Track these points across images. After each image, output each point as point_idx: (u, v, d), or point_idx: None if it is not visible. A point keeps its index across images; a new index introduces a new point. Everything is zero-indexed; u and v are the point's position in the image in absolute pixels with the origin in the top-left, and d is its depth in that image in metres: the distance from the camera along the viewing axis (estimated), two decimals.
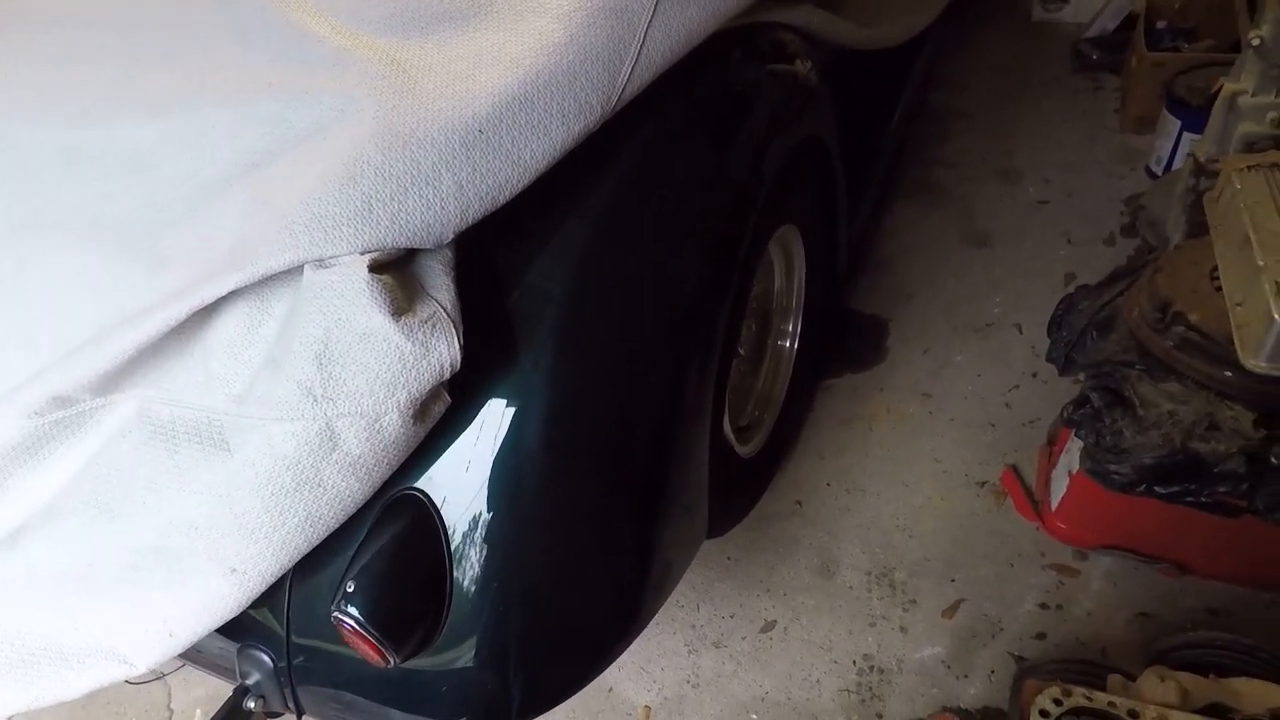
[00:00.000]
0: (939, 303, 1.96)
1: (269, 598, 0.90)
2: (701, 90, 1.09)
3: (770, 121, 1.18)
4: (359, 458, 0.79)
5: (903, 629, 1.41)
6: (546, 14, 0.91)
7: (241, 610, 0.87)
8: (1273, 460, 1.09)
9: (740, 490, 1.50)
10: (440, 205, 0.81)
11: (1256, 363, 1.04)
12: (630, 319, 0.98)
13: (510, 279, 0.92)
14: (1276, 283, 1.03)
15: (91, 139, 1.00)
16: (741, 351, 1.46)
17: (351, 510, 0.84)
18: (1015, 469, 1.59)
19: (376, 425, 0.78)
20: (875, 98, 2.05)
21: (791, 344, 1.61)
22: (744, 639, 1.45)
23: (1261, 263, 1.07)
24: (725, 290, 1.08)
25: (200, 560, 0.86)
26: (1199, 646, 1.08)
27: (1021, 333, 1.86)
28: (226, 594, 0.86)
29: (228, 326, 0.85)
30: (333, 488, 0.80)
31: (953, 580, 1.46)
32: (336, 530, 0.86)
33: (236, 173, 0.89)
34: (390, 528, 0.87)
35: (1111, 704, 0.89)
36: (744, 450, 1.44)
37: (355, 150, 0.81)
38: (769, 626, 1.46)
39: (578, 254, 0.95)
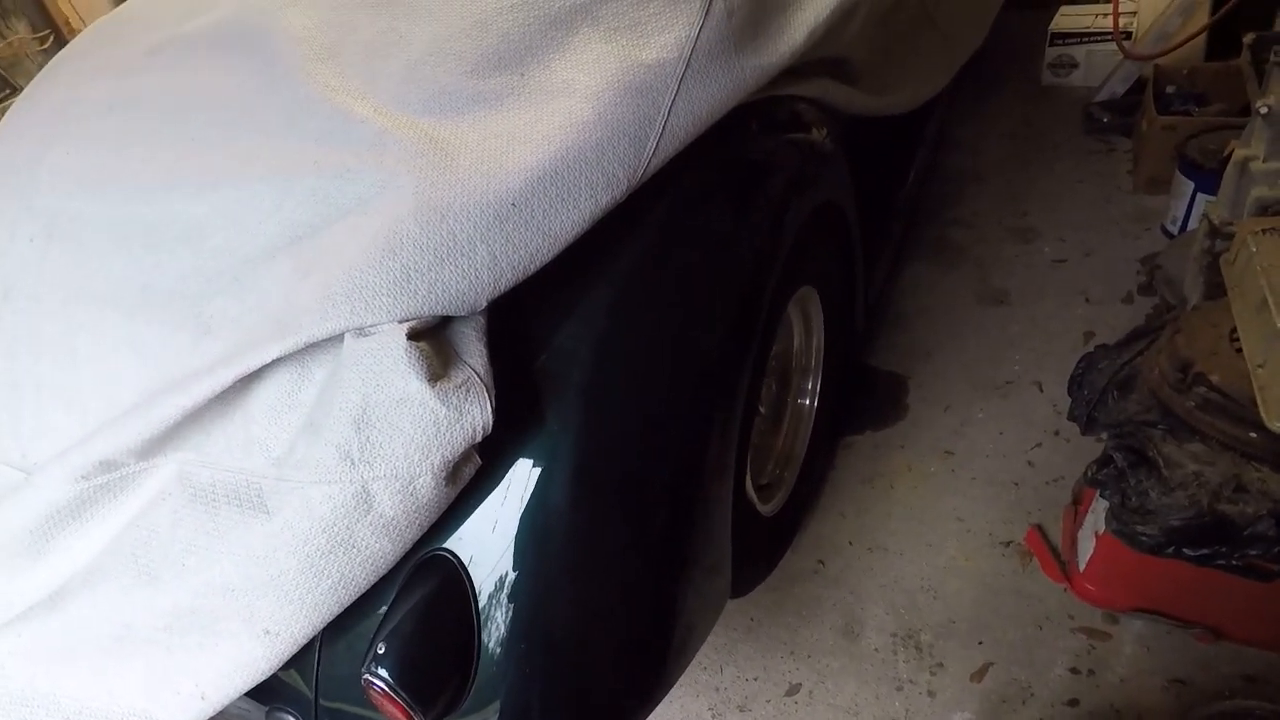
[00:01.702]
0: (958, 360, 1.97)
1: (298, 660, 0.91)
2: (722, 160, 1.13)
3: (788, 188, 1.22)
4: (392, 520, 0.81)
5: (930, 693, 1.39)
6: (575, 94, 0.96)
7: (273, 672, 0.89)
8: None
9: (762, 549, 1.50)
10: (475, 275, 0.85)
11: None
12: (653, 380, 1.00)
13: (539, 343, 0.96)
14: None
15: (145, 213, 1.05)
16: (762, 410, 1.47)
17: (383, 571, 0.85)
18: (1040, 529, 1.58)
19: (410, 488, 0.80)
20: (890, 161, 2.11)
21: (812, 402, 1.62)
22: (769, 703, 1.43)
23: None
24: (746, 351, 1.11)
25: (235, 623, 0.87)
26: (1236, 716, 1.06)
27: (1042, 391, 1.86)
28: (260, 656, 0.87)
29: (269, 392, 0.89)
30: (366, 549, 0.82)
31: (980, 643, 1.44)
32: (367, 591, 0.87)
33: (281, 245, 0.93)
34: (420, 588, 0.88)
35: None
36: (766, 509, 1.45)
37: (395, 224, 0.85)
38: (794, 690, 1.44)
39: (603, 318, 0.98)
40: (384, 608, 0.89)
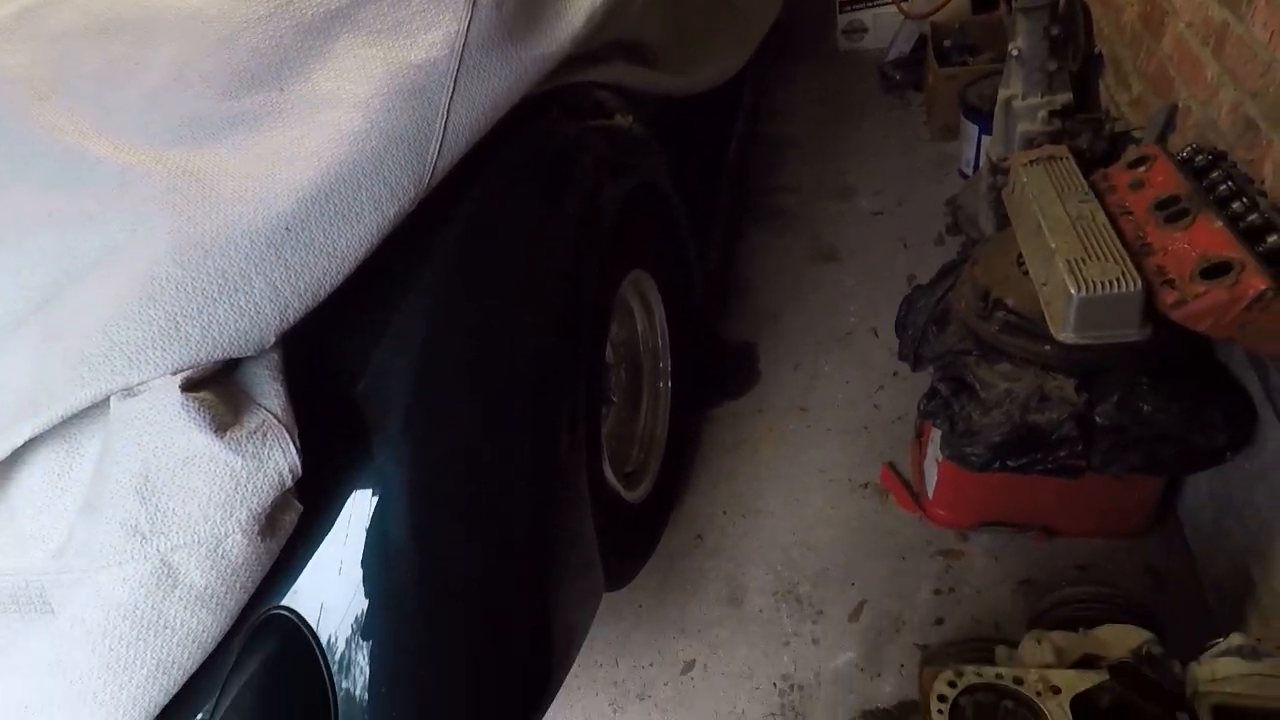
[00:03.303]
0: (801, 320, 2.06)
1: None
2: (522, 153, 1.11)
3: (596, 174, 1.22)
4: (205, 589, 0.74)
5: (814, 641, 1.45)
6: (342, 105, 0.91)
7: None
8: (1098, 420, 1.20)
9: (637, 536, 1.51)
10: (255, 310, 0.78)
11: (1066, 335, 1.14)
12: (482, 387, 0.96)
13: (355, 367, 0.90)
14: (1068, 261, 1.15)
15: None
16: (614, 399, 1.48)
17: (209, 647, 0.78)
18: (893, 466, 1.68)
19: (219, 550, 0.73)
20: (707, 137, 2.16)
21: (666, 383, 1.65)
22: (666, 684, 1.44)
23: (1053, 245, 1.19)
24: (576, 341, 1.09)
25: None
26: (1066, 604, 1.16)
27: (878, 336, 1.97)
28: None
29: (34, 479, 0.79)
30: (181, 626, 0.74)
31: (853, 584, 1.51)
32: (197, 670, 0.79)
33: (24, 312, 0.84)
34: (258, 655, 0.81)
35: (999, 675, 0.94)
36: (633, 496, 1.45)
37: (151, 268, 0.78)
38: (689, 667, 1.46)
39: (419, 329, 0.93)
40: (219, 685, 0.81)
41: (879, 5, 2.95)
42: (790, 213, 2.41)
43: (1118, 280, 1.10)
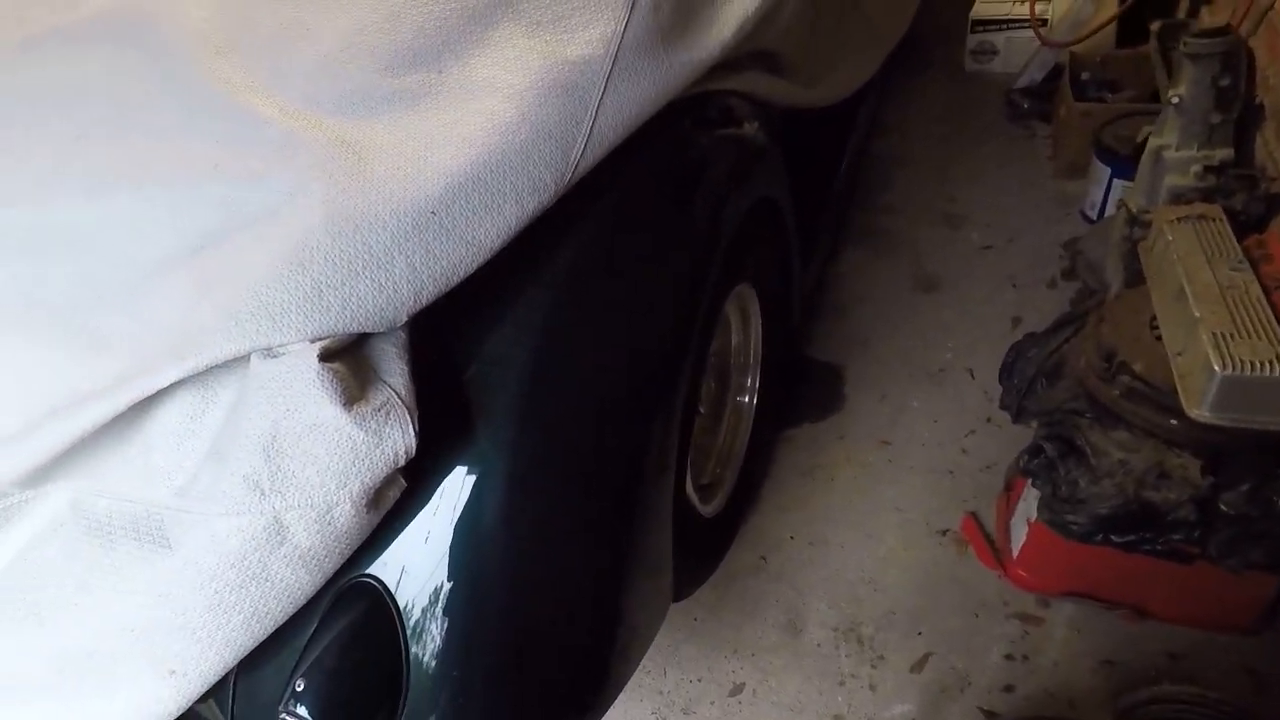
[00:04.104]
0: (893, 348, 1.99)
1: (211, 696, 0.85)
2: (655, 159, 1.10)
3: (723, 185, 1.19)
4: (309, 550, 0.76)
5: (872, 686, 1.40)
6: (498, 93, 0.91)
7: (180, 713, 0.82)
8: (1222, 507, 1.11)
9: (705, 550, 1.48)
10: (393, 289, 0.79)
11: (1200, 412, 1.07)
12: (590, 385, 0.97)
13: (471, 353, 0.91)
14: (1214, 334, 1.07)
15: (25, 219, 0.96)
16: (702, 410, 1.45)
17: (300, 603, 0.80)
18: (976, 516, 1.61)
19: (328, 517, 0.75)
20: (823, 152, 2.11)
21: (751, 399, 1.61)
22: (713, 703, 1.42)
23: (1198, 314, 1.11)
24: (685, 352, 1.08)
25: (137, 664, 0.81)
26: (1162, 702, 1.09)
27: (974, 377, 1.89)
28: (165, 698, 0.81)
29: (170, 416, 0.82)
30: (281, 581, 0.77)
31: (919, 633, 1.45)
32: (285, 624, 0.82)
33: (180, 257, 0.86)
34: (342, 619, 0.83)
35: None
36: (707, 510, 1.43)
37: (304, 235, 0.79)
38: (738, 690, 1.43)
39: (537, 322, 0.94)
40: (304, 641, 0.84)
41: (1014, 28, 2.81)
42: (893, 235, 2.33)
43: (1271, 363, 1.01)
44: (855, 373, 1.95)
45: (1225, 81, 1.34)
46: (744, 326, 1.53)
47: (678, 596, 1.41)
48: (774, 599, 1.54)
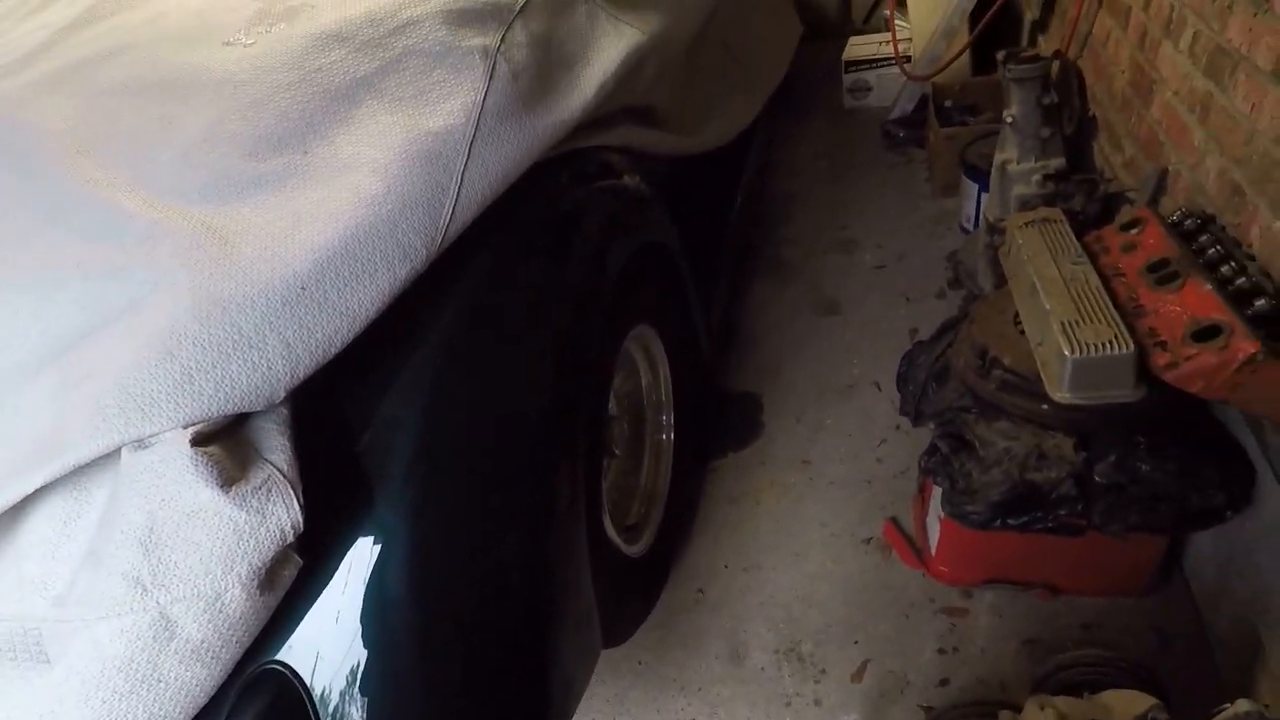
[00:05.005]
0: (804, 372, 2.08)
1: None
2: (531, 214, 1.15)
3: (602, 234, 1.25)
4: (202, 643, 0.75)
5: (817, 702, 1.43)
6: (362, 169, 0.95)
7: None
8: (1096, 479, 1.20)
9: (637, 591, 1.50)
10: (267, 367, 0.81)
11: (1062, 394, 1.16)
12: (485, 441, 0.98)
13: (361, 421, 0.92)
14: (1062, 323, 1.17)
15: None
16: (617, 452, 1.49)
17: (202, 702, 0.78)
18: (895, 521, 1.67)
19: (218, 604, 0.74)
20: (715, 194, 2.21)
21: (669, 435, 1.66)
22: None
23: (1048, 306, 1.21)
24: (579, 396, 1.11)
25: None
26: (1070, 668, 1.15)
27: (880, 389, 1.98)
28: None
29: (41, 523, 0.81)
30: (175, 681, 0.75)
31: (856, 642, 1.50)
32: None
33: (45, 358, 0.86)
34: (249, 712, 0.81)
35: None
36: (633, 550, 1.46)
37: (171, 323, 0.80)
38: None
39: (426, 385, 0.95)
40: None
41: (882, 66, 3.03)
42: (793, 266, 2.45)
43: (1111, 342, 1.11)
44: (771, 399, 2.02)
45: (1048, 99, 1.49)
46: (651, 366, 1.58)
47: (615, 640, 1.42)
48: (715, 631, 1.57)
